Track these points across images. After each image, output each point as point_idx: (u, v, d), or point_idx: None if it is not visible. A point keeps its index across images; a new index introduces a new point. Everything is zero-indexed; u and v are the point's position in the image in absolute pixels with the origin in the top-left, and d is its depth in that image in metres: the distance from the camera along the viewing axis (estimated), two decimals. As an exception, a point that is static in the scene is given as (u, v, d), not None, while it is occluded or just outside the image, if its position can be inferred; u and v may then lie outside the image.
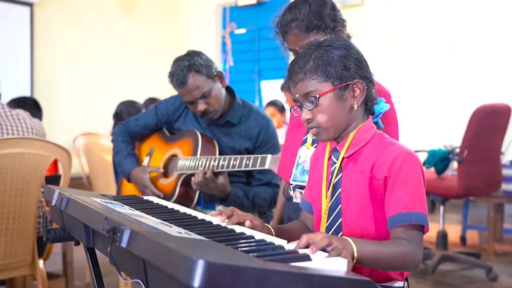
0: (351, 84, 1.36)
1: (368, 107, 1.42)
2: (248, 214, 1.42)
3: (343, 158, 1.39)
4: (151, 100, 5.07)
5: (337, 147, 1.42)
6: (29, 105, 3.72)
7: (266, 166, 2.13)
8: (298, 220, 1.58)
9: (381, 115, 1.45)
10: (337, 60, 1.36)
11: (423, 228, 1.28)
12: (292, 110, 1.44)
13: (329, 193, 1.40)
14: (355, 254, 1.15)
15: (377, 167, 1.32)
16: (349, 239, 1.16)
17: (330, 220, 1.40)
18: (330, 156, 1.44)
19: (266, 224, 1.44)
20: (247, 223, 1.38)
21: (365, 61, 1.42)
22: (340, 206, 1.38)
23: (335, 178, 1.40)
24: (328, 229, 1.39)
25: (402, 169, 1.28)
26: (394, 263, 1.24)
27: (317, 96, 1.35)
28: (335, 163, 1.41)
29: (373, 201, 1.33)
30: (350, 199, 1.36)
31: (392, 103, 1.70)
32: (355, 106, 1.37)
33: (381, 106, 1.44)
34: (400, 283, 1.38)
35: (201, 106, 2.41)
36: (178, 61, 2.43)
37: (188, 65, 2.38)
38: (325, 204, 1.41)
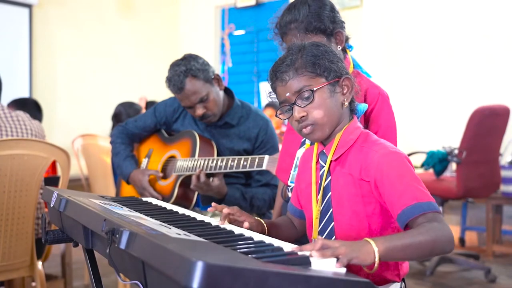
0: (341, 80, 1.37)
1: (352, 106, 1.41)
2: (243, 213, 1.43)
3: (331, 161, 1.38)
4: (151, 104, 5.08)
5: (324, 150, 1.41)
6: (30, 106, 3.74)
7: (264, 167, 2.13)
8: (286, 216, 1.59)
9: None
10: (325, 56, 1.36)
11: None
12: (278, 115, 1.41)
13: (319, 197, 1.39)
14: (376, 253, 1.10)
15: (365, 168, 1.30)
16: (368, 239, 1.12)
17: (322, 224, 1.39)
18: (318, 160, 1.43)
19: (259, 219, 1.45)
20: (246, 224, 1.39)
21: (344, 64, 1.42)
22: (331, 210, 1.37)
23: (325, 182, 1.39)
24: (320, 234, 1.39)
25: (393, 167, 1.27)
26: (425, 248, 1.16)
27: (314, 89, 1.33)
28: (323, 166, 1.40)
29: (365, 202, 1.32)
30: (342, 202, 1.35)
31: (390, 105, 1.69)
32: (346, 103, 1.37)
33: (361, 107, 1.45)
34: (397, 285, 1.38)
35: (200, 111, 2.41)
36: (174, 66, 2.42)
37: (184, 70, 2.37)
38: (316, 208, 1.40)
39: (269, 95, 1.46)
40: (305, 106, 1.34)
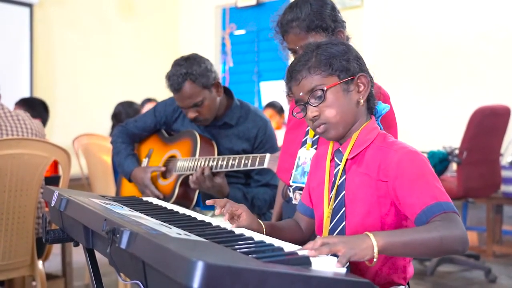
0: (356, 78, 1.36)
1: (370, 105, 1.40)
2: (241, 205, 1.44)
3: (347, 159, 1.37)
4: (148, 101, 5.10)
5: (340, 148, 1.39)
6: (37, 106, 3.76)
7: (265, 165, 2.13)
8: (292, 219, 1.56)
9: (381, 116, 1.44)
10: (339, 55, 1.35)
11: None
12: (294, 114, 1.40)
13: (332, 195, 1.38)
14: (375, 247, 1.10)
15: (383, 168, 1.29)
16: (368, 233, 1.12)
17: (333, 223, 1.37)
18: (333, 158, 1.42)
19: (259, 221, 1.44)
20: (226, 216, 1.40)
21: (363, 61, 1.41)
22: (344, 209, 1.35)
23: (339, 180, 1.37)
24: (330, 233, 1.37)
25: (412, 167, 1.25)
26: (432, 245, 1.14)
27: (325, 89, 1.33)
28: (338, 164, 1.39)
29: (380, 203, 1.30)
30: (355, 202, 1.33)
31: (391, 105, 1.70)
32: (361, 101, 1.36)
33: (382, 107, 1.43)
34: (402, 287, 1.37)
35: (192, 114, 2.41)
36: (176, 65, 2.41)
37: (184, 73, 2.36)
38: (327, 206, 1.38)
39: (287, 94, 1.46)
40: (318, 105, 1.34)
